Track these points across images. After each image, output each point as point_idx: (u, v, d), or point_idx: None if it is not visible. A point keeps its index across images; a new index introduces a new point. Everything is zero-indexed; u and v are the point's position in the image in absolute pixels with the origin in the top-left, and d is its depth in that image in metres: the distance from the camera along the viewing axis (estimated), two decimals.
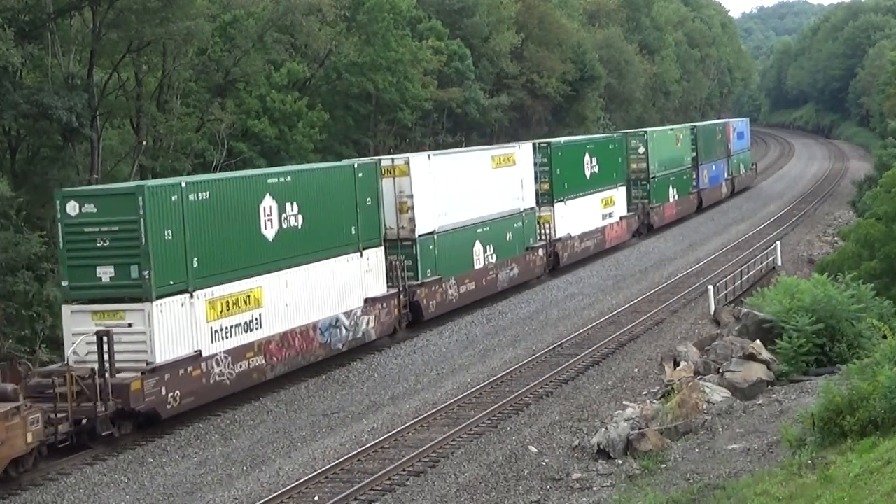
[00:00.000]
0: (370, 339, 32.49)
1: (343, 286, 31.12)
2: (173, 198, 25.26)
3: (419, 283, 34.88)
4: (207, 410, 26.60)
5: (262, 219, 28.04)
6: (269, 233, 28.27)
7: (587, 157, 49.30)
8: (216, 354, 26.27)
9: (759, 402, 23.94)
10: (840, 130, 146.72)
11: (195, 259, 25.74)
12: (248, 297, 27.50)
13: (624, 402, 26.56)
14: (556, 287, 43.60)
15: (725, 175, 76.05)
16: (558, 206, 45.88)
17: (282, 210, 28.66)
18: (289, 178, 29.36)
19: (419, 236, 35.11)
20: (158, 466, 23.32)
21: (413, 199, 34.82)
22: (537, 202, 44.33)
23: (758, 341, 27.14)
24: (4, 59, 36.16)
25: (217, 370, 26.24)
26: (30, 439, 21.87)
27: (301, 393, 28.83)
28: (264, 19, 50.87)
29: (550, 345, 33.30)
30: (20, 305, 32.27)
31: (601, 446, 22.72)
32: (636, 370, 30.39)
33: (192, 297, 25.66)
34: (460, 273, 37.44)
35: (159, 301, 24.74)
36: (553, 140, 49.04)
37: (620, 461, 22.03)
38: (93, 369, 23.68)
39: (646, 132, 60.28)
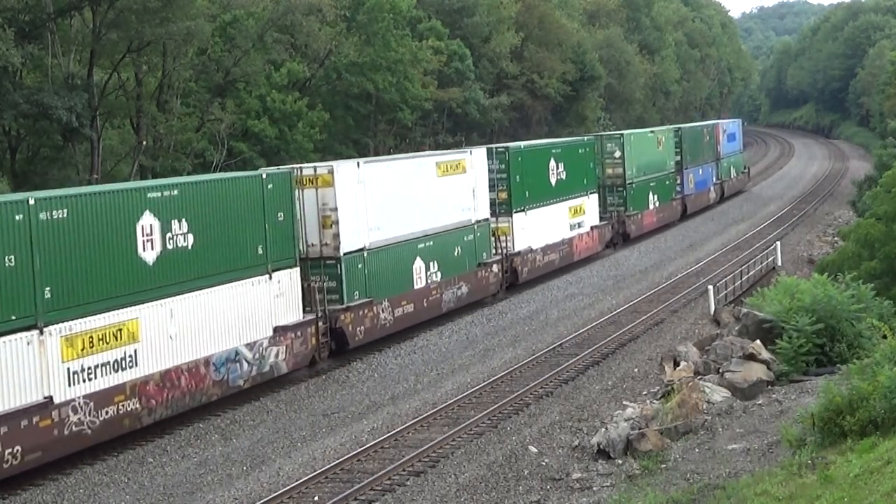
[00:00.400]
0: (281, 373, 28.64)
1: (246, 314, 27.26)
2: (17, 217, 21.46)
3: (344, 306, 30.96)
4: (207, 410, 26.59)
5: (140, 239, 24.27)
6: (150, 255, 24.44)
7: (552, 163, 45.62)
8: (73, 400, 22.47)
9: (759, 402, 23.93)
10: (840, 130, 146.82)
11: (47, 289, 22.04)
12: (120, 330, 23.68)
13: (624, 402, 26.56)
14: (555, 287, 43.60)
15: (714, 179, 72.75)
16: (517, 216, 42.18)
17: (166, 229, 24.85)
18: (175, 192, 25.37)
19: (345, 254, 31.23)
20: (158, 466, 23.32)
21: (338, 212, 30.97)
22: (495, 212, 40.81)
23: (758, 341, 27.14)
24: (4, 59, 36.21)
25: (74, 418, 22.45)
26: None
27: (301, 393, 28.83)
28: (264, 19, 50.94)
29: (550, 345, 33.29)
30: None
31: (601, 446, 22.72)
32: (636, 370, 30.40)
33: (41, 333, 21.87)
34: (396, 294, 33.56)
35: None
36: (512, 144, 45.14)
37: (620, 461, 22.03)
38: None
39: (622, 135, 56.29)
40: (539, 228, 43.82)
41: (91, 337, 23.05)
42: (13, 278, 21.40)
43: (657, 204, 59.10)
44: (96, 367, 23.12)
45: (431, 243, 35.65)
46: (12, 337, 21.33)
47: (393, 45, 57.91)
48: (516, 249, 41.86)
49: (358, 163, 33.23)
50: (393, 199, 33.73)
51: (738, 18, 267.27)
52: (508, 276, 41.30)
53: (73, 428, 22.48)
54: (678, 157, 63.80)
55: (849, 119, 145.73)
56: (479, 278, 38.84)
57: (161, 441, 24.81)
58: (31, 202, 21.98)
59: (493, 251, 40.36)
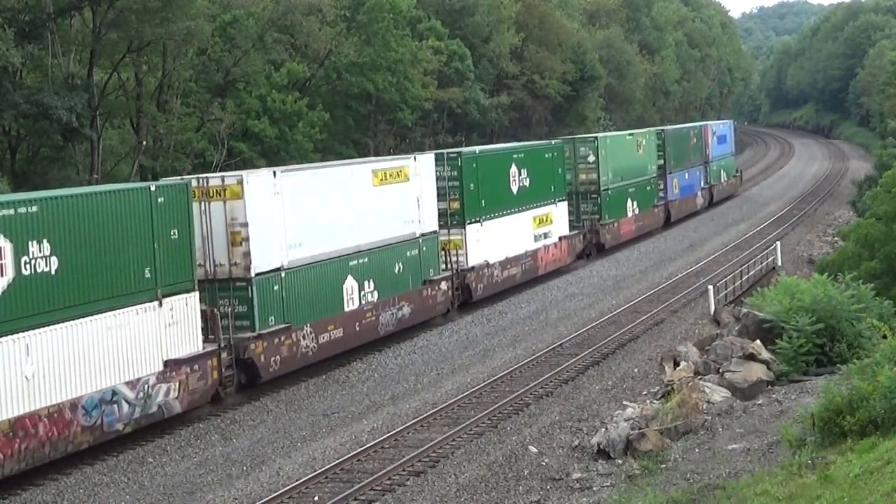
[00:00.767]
0: (172, 413, 25.10)
1: (128, 347, 23.78)
2: None
3: (255, 334, 27.57)
4: (207, 410, 26.61)
5: None
6: None
7: (513, 169, 42.02)
8: None
9: (759, 402, 23.94)
10: (840, 130, 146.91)
11: None
12: None
13: (624, 402, 26.56)
14: (555, 287, 43.59)
15: (702, 184, 69.53)
16: (471, 228, 38.63)
17: (21, 251, 21.33)
18: (34, 208, 21.75)
19: (257, 275, 27.80)
20: (158, 466, 23.33)
21: (248, 227, 27.56)
22: (446, 224, 37.53)
23: (758, 341, 27.14)
24: (4, 59, 36.22)
25: None
26: None
27: (301, 393, 28.84)
28: (264, 19, 50.96)
29: (550, 345, 33.29)
30: None
31: (601, 446, 22.72)
32: (636, 370, 30.40)
33: None
34: (322, 318, 30.12)
35: None
36: (465, 150, 41.98)
37: (620, 461, 22.03)
38: None
39: (596, 138, 52.46)
40: (497, 241, 40.30)
41: None
42: None
43: (637, 211, 55.86)
44: None
45: (366, 260, 32.22)
46: None
47: (393, 45, 57.93)
48: (470, 264, 38.34)
49: (274, 172, 29.40)
50: (319, 212, 30.35)
51: (738, 18, 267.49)
52: (460, 293, 37.88)
53: None
54: (661, 161, 60.80)
55: (849, 119, 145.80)
56: (424, 297, 35.29)
57: (161, 441, 24.82)
58: None
59: (443, 267, 37.08)
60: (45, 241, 21.96)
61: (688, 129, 70.11)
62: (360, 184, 32.51)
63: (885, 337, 21.85)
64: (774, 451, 19.55)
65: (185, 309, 25.50)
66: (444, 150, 40.73)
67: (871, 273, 36.02)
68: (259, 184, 28.37)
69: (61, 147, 42.54)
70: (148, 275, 24.46)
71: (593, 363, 31.08)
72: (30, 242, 21.67)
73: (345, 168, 33.33)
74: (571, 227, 48.20)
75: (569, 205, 48.13)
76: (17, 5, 39.29)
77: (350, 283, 31.57)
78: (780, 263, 47.09)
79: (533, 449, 23.45)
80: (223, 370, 26.61)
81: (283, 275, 28.76)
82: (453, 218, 38.09)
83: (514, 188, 42.17)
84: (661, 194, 60.53)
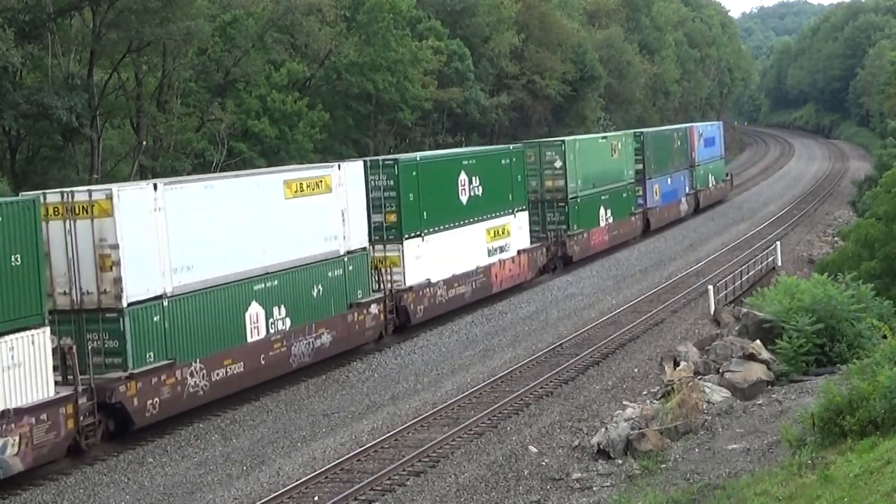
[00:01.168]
0: (13, 472, 21.27)
1: None
2: None
3: (127, 374, 23.87)
4: (207, 410, 26.61)
5: None
6: None
7: (463, 177, 38.36)
8: None
9: (759, 402, 23.94)
10: (840, 130, 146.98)
11: None
12: None
13: (624, 402, 26.57)
14: (555, 287, 43.59)
15: (687, 189, 65.79)
16: (410, 243, 35.11)
17: None
18: None
19: (130, 304, 24.05)
20: (158, 466, 23.33)
21: (120, 250, 23.88)
22: (381, 239, 34.36)
23: (758, 341, 27.15)
24: (4, 59, 36.24)
25: None
26: None
27: (301, 393, 28.84)
28: (264, 19, 50.95)
29: (550, 345, 33.30)
30: None
31: (601, 446, 22.73)
32: (636, 370, 30.40)
33: None
34: (216, 352, 26.34)
35: None
36: (404, 156, 38.07)
37: (620, 461, 22.04)
38: None
39: (563, 141, 48.48)
40: (442, 256, 36.63)
41: None
42: None
43: (611, 220, 52.16)
44: None
45: (276, 283, 28.48)
46: None
47: (393, 45, 57.92)
48: (408, 284, 34.71)
49: (155, 184, 25.49)
50: (215, 230, 26.63)
51: (738, 18, 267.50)
52: (395, 317, 34.19)
53: None
54: (640, 166, 57.11)
55: (849, 119, 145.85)
56: (349, 323, 31.59)
57: (161, 441, 24.82)
58: None
59: (374, 288, 33.47)
60: None
61: (671, 131, 66.61)
62: (269, 196, 28.79)
63: (885, 337, 21.86)
64: (774, 451, 19.56)
65: (31, 348, 21.52)
66: (380, 157, 37.06)
67: (871, 273, 36.04)
68: (133, 199, 24.61)
69: (61, 147, 42.56)
70: None
71: (593, 363, 31.09)
72: None
73: (249, 179, 28.94)
74: (537, 239, 45.11)
75: (535, 214, 45.70)
76: (17, 5, 39.30)
77: (255, 310, 27.75)
78: (780, 263, 47.10)
79: (533, 449, 23.45)
80: (82, 418, 22.79)
81: (165, 303, 24.94)
82: (390, 232, 34.59)
83: (464, 198, 38.54)
84: (639, 201, 57.09)
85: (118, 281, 23.95)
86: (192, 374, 25.66)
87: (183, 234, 25.61)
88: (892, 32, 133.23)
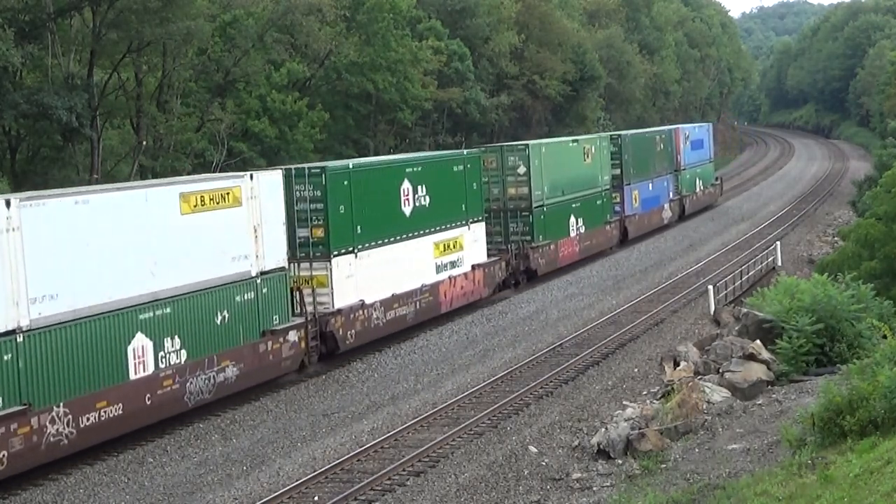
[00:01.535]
0: None
1: None
2: None
3: None
4: (207, 410, 26.62)
5: None
6: None
7: (406, 186, 34.76)
8: None
9: (759, 402, 23.94)
10: (840, 130, 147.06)
11: None
12: None
13: (624, 402, 26.58)
14: (555, 287, 43.58)
15: (671, 195, 62.40)
16: (340, 261, 31.31)
17: None
18: None
19: None
20: (158, 466, 23.33)
21: None
22: (307, 256, 30.86)
23: (758, 341, 27.15)
24: (4, 59, 36.25)
25: None
26: None
27: (301, 393, 28.84)
28: (264, 19, 50.97)
29: (550, 345, 33.30)
30: None
31: (601, 446, 22.73)
32: (636, 370, 30.41)
33: None
34: (87, 393, 22.76)
35: None
36: (334, 164, 34.19)
37: (620, 461, 22.05)
38: None
39: (527, 146, 44.62)
40: (380, 274, 32.98)
41: None
42: None
43: (583, 230, 48.63)
44: None
45: (168, 311, 24.84)
46: None
47: (393, 45, 57.94)
48: (337, 306, 30.97)
49: (8, 200, 21.56)
50: (87, 252, 23.15)
51: (738, 18, 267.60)
52: (319, 345, 30.51)
53: None
54: (617, 171, 53.89)
55: (849, 119, 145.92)
56: (261, 353, 27.95)
57: (161, 441, 24.83)
58: None
59: (294, 312, 29.72)
60: None
61: (652, 133, 62.87)
62: (161, 212, 25.18)
63: (885, 337, 21.85)
64: (774, 451, 19.56)
65: None
66: (306, 165, 33.77)
67: (871, 273, 36.06)
68: None
69: (61, 147, 42.58)
70: None
71: (593, 363, 31.09)
72: None
73: (135, 193, 25.11)
74: (497, 252, 41.67)
75: (497, 224, 42.94)
76: (17, 5, 39.31)
77: (140, 343, 24.20)
78: (780, 263, 47.11)
79: (533, 449, 23.45)
80: None
81: (20, 339, 21.37)
82: (316, 249, 30.99)
83: (407, 209, 34.84)
84: (616, 209, 53.67)
85: None
86: (52, 421, 22.00)
87: (45, 258, 22.07)
88: (892, 32, 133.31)
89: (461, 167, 38.64)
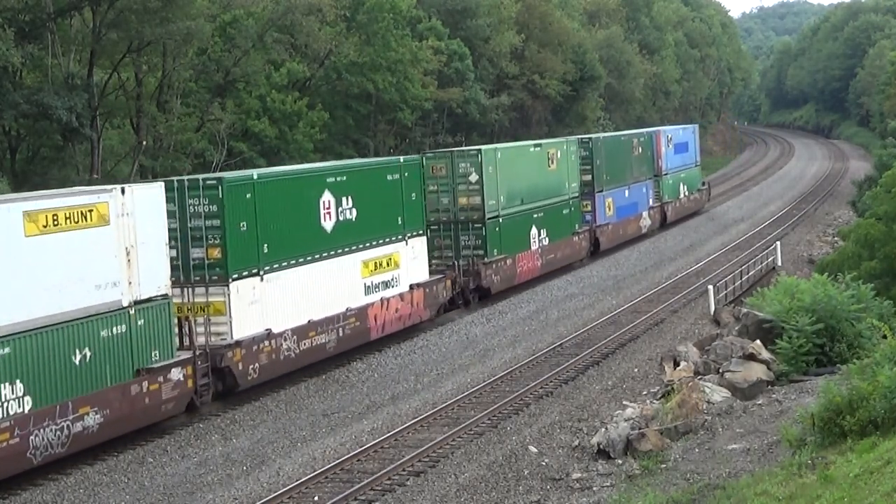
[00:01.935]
0: None
1: None
2: None
3: None
4: (207, 410, 26.60)
5: None
6: None
7: (327, 198, 30.72)
8: None
9: (759, 402, 23.95)
10: (840, 130, 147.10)
11: None
12: None
13: (624, 402, 26.58)
14: (555, 287, 43.58)
15: (650, 202, 58.49)
16: (241, 285, 27.32)
17: None
18: None
19: None
20: (158, 466, 23.33)
21: None
22: (201, 280, 26.93)
23: (758, 341, 27.15)
24: (4, 59, 36.26)
25: None
26: None
27: (301, 393, 28.83)
28: (264, 19, 50.98)
29: (550, 345, 33.30)
30: None
31: (601, 446, 22.74)
32: (636, 370, 30.41)
33: None
34: None
35: None
36: (231, 175, 29.43)
37: (620, 461, 22.05)
38: None
39: (479, 151, 40.19)
40: (293, 299, 29.12)
41: None
42: None
43: (546, 242, 44.46)
44: None
45: (7, 351, 20.89)
46: None
47: (393, 45, 57.94)
48: (235, 337, 27.00)
49: None
50: None
51: (738, 18, 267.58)
52: (211, 384, 26.30)
53: None
54: (588, 177, 50.03)
55: (849, 119, 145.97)
56: (133, 397, 23.85)
57: (161, 441, 24.82)
58: None
59: (178, 348, 25.63)
60: None
61: (629, 136, 58.54)
62: (3, 234, 21.18)
63: (885, 337, 21.85)
64: (774, 451, 19.56)
65: None
66: (200, 176, 29.72)
67: (871, 273, 36.06)
68: None
69: (61, 147, 42.60)
70: None
71: (593, 363, 31.09)
72: None
73: None
74: (443, 269, 37.83)
75: (447, 238, 39.32)
76: (17, 5, 39.33)
77: None
78: (780, 263, 47.11)
79: (533, 449, 23.46)
80: None
81: None
82: (212, 271, 26.99)
83: (328, 224, 30.79)
84: (586, 218, 49.77)
85: None
86: None
87: None
88: (892, 32, 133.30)
89: (397, 175, 34.48)
